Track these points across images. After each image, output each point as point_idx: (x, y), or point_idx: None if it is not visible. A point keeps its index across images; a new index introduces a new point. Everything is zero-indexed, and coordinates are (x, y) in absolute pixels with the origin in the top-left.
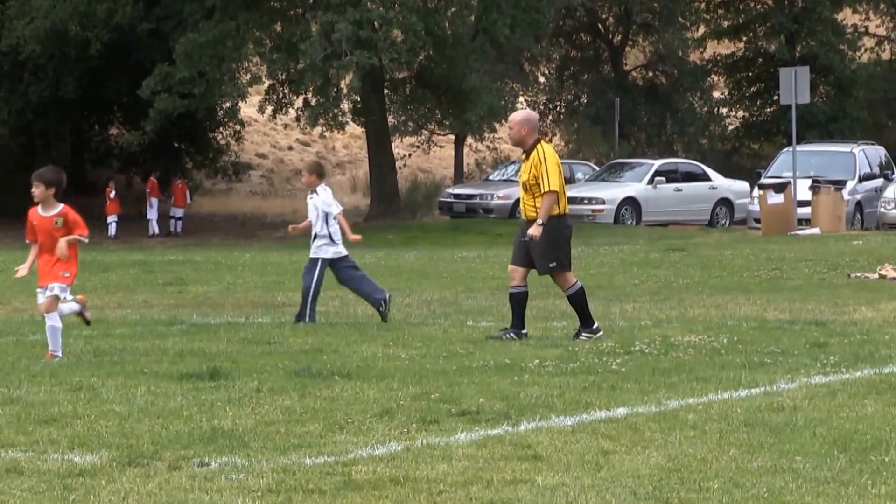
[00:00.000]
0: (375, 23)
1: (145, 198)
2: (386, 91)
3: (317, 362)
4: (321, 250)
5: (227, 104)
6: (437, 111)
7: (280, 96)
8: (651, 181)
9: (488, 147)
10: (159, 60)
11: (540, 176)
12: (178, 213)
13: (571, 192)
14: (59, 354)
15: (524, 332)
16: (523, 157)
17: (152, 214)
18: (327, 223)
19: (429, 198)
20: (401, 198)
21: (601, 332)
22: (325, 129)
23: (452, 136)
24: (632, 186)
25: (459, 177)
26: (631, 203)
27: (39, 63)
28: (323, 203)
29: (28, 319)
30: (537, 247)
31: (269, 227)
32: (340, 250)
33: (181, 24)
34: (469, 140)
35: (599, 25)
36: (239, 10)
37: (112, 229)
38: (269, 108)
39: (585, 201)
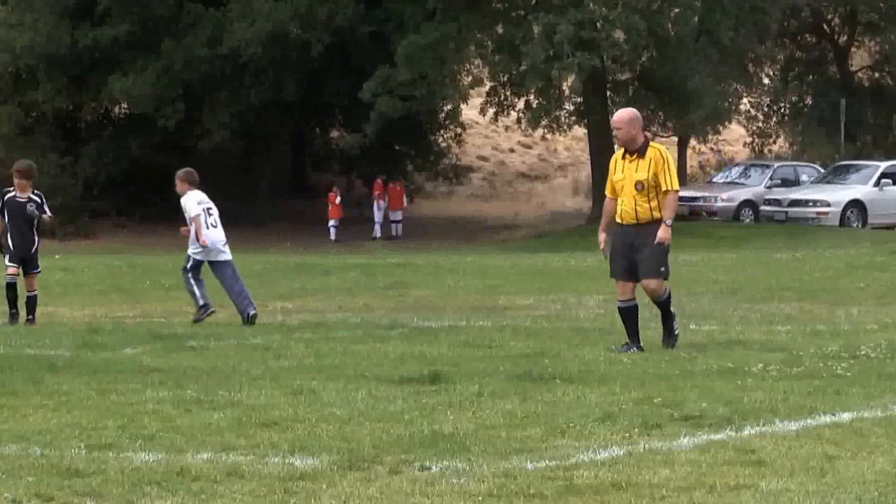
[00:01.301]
0: (597, 23)
1: (365, 201)
2: (608, 92)
3: (538, 366)
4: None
5: (448, 106)
6: (660, 113)
7: (501, 98)
8: (877, 183)
9: (712, 149)
10: (380, 63)
11: (661, 175)
12: (397, 216)
13: (796, 194)
14: None
15: (640, 345)
16: (629, 156)
17: (377, 217)
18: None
19: None
20: None
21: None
22: (546, 131)
23: (675, 138)
24: (857, 189)
25: (682, 179)
26: (856, 205)
27: (260, 66)
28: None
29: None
30: (652, 250)
31: (490, 230)
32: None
33: (402, 26)
34: (692, 142)
35: (824, 26)
36: (460, 12)
37: (333, 233)
38: (491, 111)
39: (810, 203)
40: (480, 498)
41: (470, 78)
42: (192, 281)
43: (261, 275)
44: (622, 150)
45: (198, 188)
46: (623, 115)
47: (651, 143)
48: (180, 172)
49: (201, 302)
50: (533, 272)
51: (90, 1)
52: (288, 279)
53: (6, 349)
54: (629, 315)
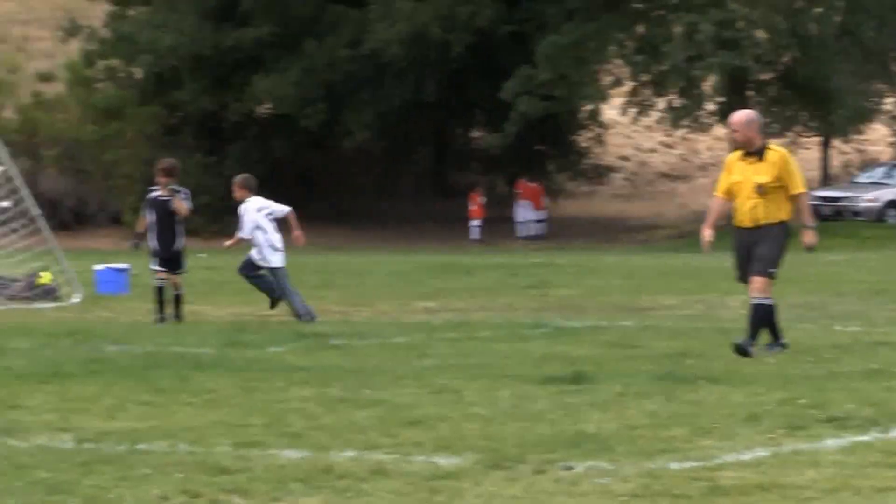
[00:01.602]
0: (739, 23)
1: (507, 201)
2: (750, 92)
3: (681, 366)
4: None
5: (589, 106)
6: (802, 113)
7: (642, 98)
8: None
9: (856, 149)
10: (521, 63)
11: (787, 178)
12: (540, 215)
13: None
14: None
15: (784, 341)
16: (748, 158)
17: (521, 217)
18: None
19: None
20: None
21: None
22: (687, 130)
23: (818, 139)
24: None
25: (826, 179)
26: None
27: (401, 66)
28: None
29: (392, 321)
30: (769, 248)
31: (632, 229)
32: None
33: (543, 27)
34: (835, 142)
35: None
36: (601, 12)
37: (475, 233)
38: (632, 111)
39: None
40: (624, 498)
41: (611, 78)
42: (257, 279)
43: (404, 274)
44: (740, 151)
45: (257, 194)
46: (740, 117)
47: (771, 146)
48: (238, 179)
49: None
50: (675, 272)
51: (233, 2)
52: (431, 279)
53: (153, 347)
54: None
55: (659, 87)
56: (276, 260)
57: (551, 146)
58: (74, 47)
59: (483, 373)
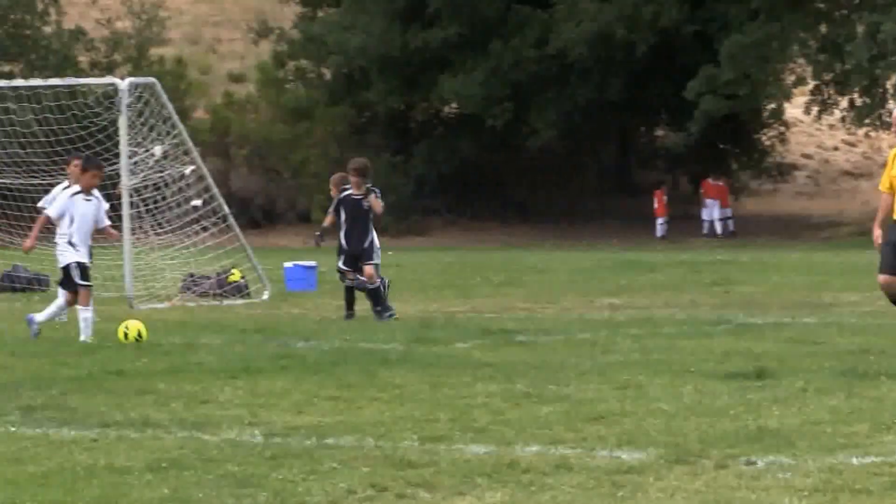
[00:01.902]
0: None
1: (691, 199)
2: None
3: (863, 363)
4: None
5: (772, 105)
6: None
7: (825, 97)
8: None
9: None
10: (704, 62)
11: None
12: (726, 213)
13: None
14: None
15: None
16: None
17: (707, 215)
18: None
19: None
20: None
21: None
22: (870, 129)
23: None
24: None
25: None
26: None
27: (586, 66)
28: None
29: (576, 318)
30: None
31: (815, 227)
32: None
33: (726, 26)
34: None
35: None
36: (784, 12)
37: (660, 230)
38: (815, 109)
39: None
40: (806, 493)
41: (793, 77)
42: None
43: (588, 271)
44: None
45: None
46: None
47: None
48: (336, 177)
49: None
50: (858, 269)
51: (420, 3)
52: (615, 276)
53: (341, 343)
54: None
55: (841, 85)
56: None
57: (734, 145)
58: (265, 49)
59: (666, 368)
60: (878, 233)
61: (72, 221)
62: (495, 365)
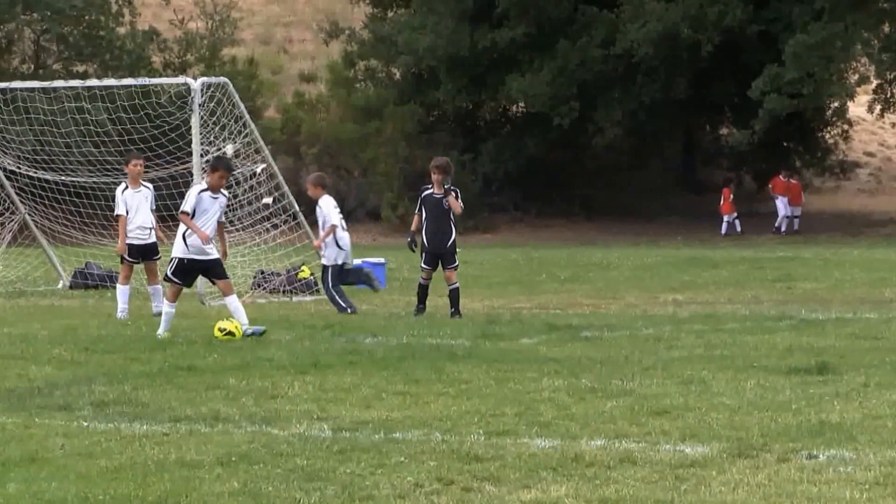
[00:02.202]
0: None
1: (755, 196)
2: None
3: None
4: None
5: (836, 104)
6: None
7: (888, 95)
8: None
9: None
10: (768, 62)
11: None
12: (796, 211)
13: None
14: None
15: None
16: None
17: (782, 211)
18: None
19: None
20: None
21: None
22: None
23: None
24: None
25: None
26: None
27: (651, 65)
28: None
29: (640, 314)
30: None
31: (877, 224)
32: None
33: (790, 26)
34: None
35: None
36: (847, 12)
37: (727, 227)
38: (877, 108)
39: None
40: (867, 486)
41: (856, 76)
42: (335, 291)
43: (652, 268)
44: None
45: (329, 193)
46: None
47: None
48: (312, 177)
49: (349, 310)
50: None
51: (489, 4)
52: (679, 272)
53: (409, 339)
54: None
55: None
56: (340, 257)
57: (798, 143)
58: (335, 49)
59: (729, 364)
60: None
61: (194, 216)
62: (560, 360)
